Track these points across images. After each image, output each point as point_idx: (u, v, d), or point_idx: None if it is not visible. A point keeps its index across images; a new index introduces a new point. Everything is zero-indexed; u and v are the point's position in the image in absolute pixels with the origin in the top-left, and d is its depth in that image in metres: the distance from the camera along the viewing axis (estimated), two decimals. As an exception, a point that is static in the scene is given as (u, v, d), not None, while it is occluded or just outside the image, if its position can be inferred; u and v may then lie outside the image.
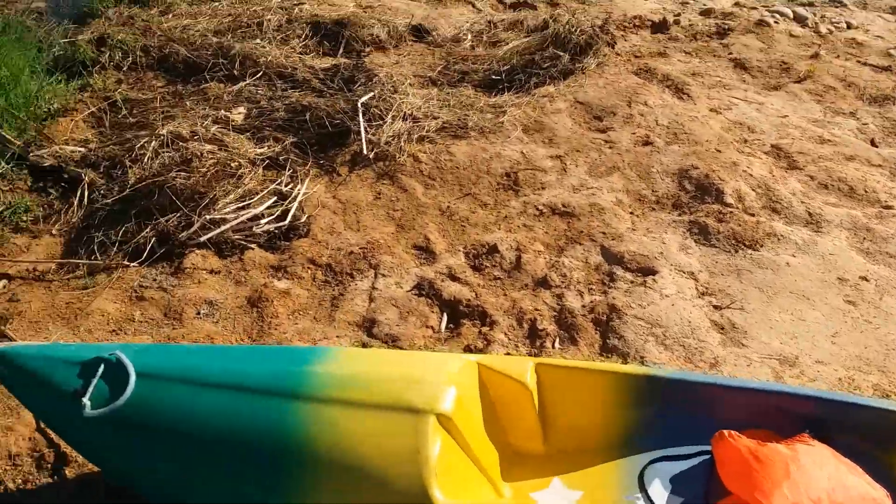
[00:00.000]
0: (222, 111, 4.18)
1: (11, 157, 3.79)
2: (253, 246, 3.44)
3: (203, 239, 3.38)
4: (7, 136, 3.86)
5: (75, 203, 3.58)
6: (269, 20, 5.36)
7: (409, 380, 1.85)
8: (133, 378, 1.89)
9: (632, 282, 3.28)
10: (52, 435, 2.44)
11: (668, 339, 2.96)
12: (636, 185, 4.01)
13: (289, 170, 3.92)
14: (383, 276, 3.30)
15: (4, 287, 3.15)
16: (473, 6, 6.30)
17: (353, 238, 3.53)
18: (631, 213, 3.80)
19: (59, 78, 4.48)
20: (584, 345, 2.95)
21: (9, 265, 3.24)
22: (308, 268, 3.34)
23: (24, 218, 3.49)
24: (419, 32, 5.65)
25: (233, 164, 3.74)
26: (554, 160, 4.20)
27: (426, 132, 4.28)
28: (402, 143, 4.14)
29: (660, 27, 6.21)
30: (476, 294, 3.22)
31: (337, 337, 2.98)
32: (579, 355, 2.88)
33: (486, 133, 4.41)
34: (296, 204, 3.65)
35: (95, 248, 3.34)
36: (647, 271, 3.35)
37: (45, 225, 3.50)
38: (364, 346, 2.93)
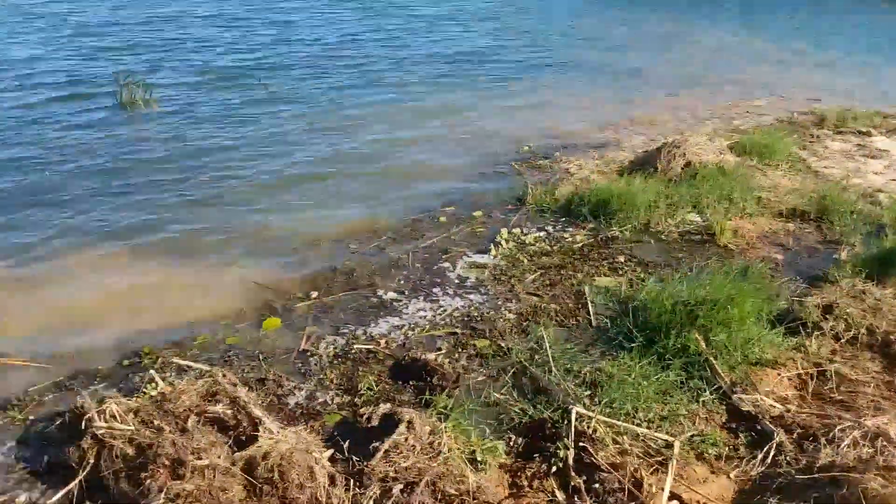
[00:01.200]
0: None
1: (716, 390, 4.16)
2: None
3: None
4: (719, 370, 4.27)
5: (759, 458, 3.66)
6: None
7: None
8: None
9: None
10: None
11: None
12: None
13: None
14: None
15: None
16: None
17: None
18: None
19: (779, 332, 4.74)
20: None
21: (684, 489, 3.50)
22: None
23: (710, 451, 3.74)
24: None
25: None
26: None
27: None
28: None
29: None
30: None
31: None
32: None
33: None
34: None
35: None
36: None
37: (725, 464, 3.68)
38: None
